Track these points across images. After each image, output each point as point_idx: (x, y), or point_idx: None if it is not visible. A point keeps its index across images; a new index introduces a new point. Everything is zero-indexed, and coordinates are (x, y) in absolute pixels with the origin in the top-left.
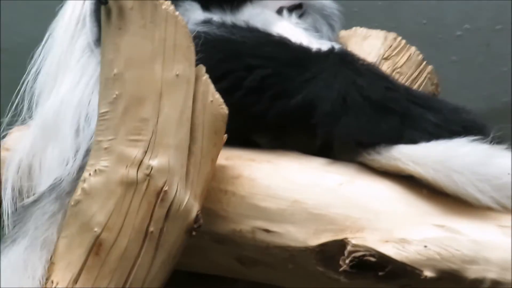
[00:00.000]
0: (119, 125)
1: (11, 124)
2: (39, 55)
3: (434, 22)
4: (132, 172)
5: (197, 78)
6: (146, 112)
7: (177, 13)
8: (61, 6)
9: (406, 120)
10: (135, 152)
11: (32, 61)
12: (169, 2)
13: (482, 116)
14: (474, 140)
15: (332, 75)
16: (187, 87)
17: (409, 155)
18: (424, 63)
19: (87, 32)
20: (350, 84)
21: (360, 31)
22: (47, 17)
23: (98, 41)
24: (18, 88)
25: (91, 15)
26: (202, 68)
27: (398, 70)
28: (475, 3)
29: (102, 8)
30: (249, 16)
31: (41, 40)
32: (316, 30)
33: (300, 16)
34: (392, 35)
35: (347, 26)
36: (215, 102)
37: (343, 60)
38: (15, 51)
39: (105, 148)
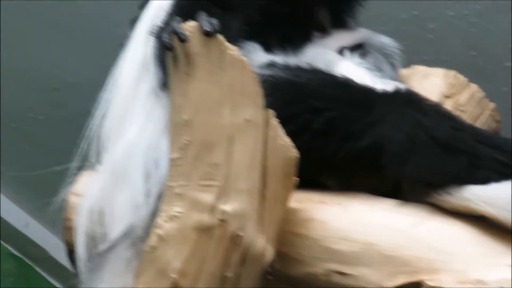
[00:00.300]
0: (190, 170)
1: (79, 169)
2: (104, 99)
3: (484, 54)
4: (206, 218)
5: (266, 122)
6: (217, 157)
7: (243, 57)
8: (121, 49)
9: (475, 160)
10: (208, 197)
11: (97, 106)
12: (235, 47)
13: None
14: None
15: (399, 116)
16: (256, 132)
17: (480, 196)
18: (486, 100)
19: (152, 76)
20: (417, 125)
21: (420, 69)
22: (96, 57)
23: (163, 85)
24: (84, 133)
25: (154, 59)
26: (271, 112)
27: (460, 108)
28: None
29: (168, 53)
30: (311, 56)
31: (92, 79)
32: (379, 69)
33: (362, 56)
34: (452, 73)
35: None
36: (285, 146)
37: (409, 100)
38: (66, 91)
39: (178, 194)
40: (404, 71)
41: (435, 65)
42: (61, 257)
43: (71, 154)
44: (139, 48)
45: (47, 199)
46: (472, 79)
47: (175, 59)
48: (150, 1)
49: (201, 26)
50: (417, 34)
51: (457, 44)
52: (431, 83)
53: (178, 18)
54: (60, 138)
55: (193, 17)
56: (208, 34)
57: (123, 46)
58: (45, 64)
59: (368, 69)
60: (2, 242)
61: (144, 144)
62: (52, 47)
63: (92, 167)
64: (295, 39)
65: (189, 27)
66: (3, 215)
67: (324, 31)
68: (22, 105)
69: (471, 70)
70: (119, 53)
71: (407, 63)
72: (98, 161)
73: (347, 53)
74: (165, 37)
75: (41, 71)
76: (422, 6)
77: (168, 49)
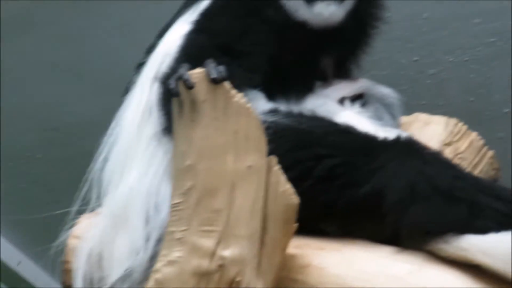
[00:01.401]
0: (192, 216)
1: (80, 212)
2: (107, 143)
3: (481, 100)
4: (205, 263)
5: (268, 169)
6: (219, 203)
7: (249, 104)
8: (126, 93)
9: (475, 210)
10: (208, 243)
11: (100, 149)
12: (241, 94)
13: None
14: None
15: (400, 164)
16: (259, 178)
17: (478, 246)
18: (485, 148)
19: (155, 121)
20: (418, 173)
21: (421, 117)
22: (97, 98)
23: (165, 130)
24: (86, 176)
25: (158, 104)
26: (274, 159)
27: (460, 156)
28: None
29: (174, 99)
30: (313, 106)
31: (92, 120)
32: (379, 119)
33: (362, 106)
34: (453, 120)
35: None
36: (286, 192)
37: (410, 148)
38: (66, 131)
39: (178, 239)
40: (405, 119)
41: (433, 110)
42: None
43: (69, 193)
44: (144, 93)
45: (41, 238)
46: (469, 124)
47: (180, 105)
48: (157, 46)
49: (208, 73)
50: (417, 79)
51: (456, 90)
52: (431, 130)
53: (185, 65)
54: (58, 178)
55: (200, 64)
56: (215, 81)
57: (128, 90)
58: (45, 103)
59: (369, 117)
60: None
61: (145, 188)
62: (52, 86)
63: (92, 210)
64: (298, 88)
65: (196, 74)
66: None
67: (326, 79)
68: (21, 144)
69: (469, 116)
70: (123, 97)
71: (406, 107)
72: (99, 204)
73: (347, 103)
74: (172, 83)
75: (41, 110)
76: (423, 52)
77: (174, 95)
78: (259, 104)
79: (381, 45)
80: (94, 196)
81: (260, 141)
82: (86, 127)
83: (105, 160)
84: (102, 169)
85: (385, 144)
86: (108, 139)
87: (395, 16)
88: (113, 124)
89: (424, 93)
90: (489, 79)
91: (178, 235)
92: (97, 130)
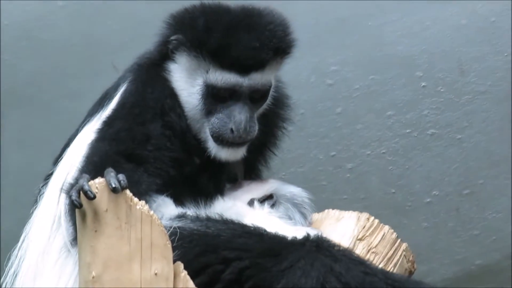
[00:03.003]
0: None
1: None
2: (16, 256)
3: (402, 191)
4: None
5: (175, 275)
6: None
7: (151, 212)
8: (34, 207)
9: None
10: None
11: (9, 263)
12: (143, 202)
13: (456, 280)
14: None
15: (309, 263)
16: (166, 285)
17: None
18: (399, 241)
19: (63, 232)
20: (328, 271)
21: (332, 213)
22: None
23: (74, 240)
24: None
25: (66, 215)
26: (180, 265)
27: (373, 250)
28: (441, 170)
29: (77, 211)
30: (221, 209)
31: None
32: (289, 218)
33: (272, 206)
34: (365, 215)
35: (317, 199)
36: None
37: (319, 246)
38: None
39: None
40: (317, 216)
41: (355, 204)
42: None
43: None
44: (51, 204)
45: None
46: (391, 215)
47: (83, 216)
48: (63, 156)
49: (108, 183)
50: (336, 173)
51: (376, 182)
52: (344, 226)
53: (85, 176)
54: None
55: (102, 174)
56: (115, 191)
57: (36, 202)
58: None
59: (279, 218)
60: None
61: None
62: None
63: None
64: (207, 190)
65: (96, 184)
66: None
67: (236, 181)
68: None
69: (392, 208)
70: (32, 209)
71: (327, 202)
72: None
73: (256, 204)
74: (74, 194)
75: None
76: (339, 147)
77: (76, 207)
78: (167, 209)
79: (298, 142)
80: None
81: (166, 248)
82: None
83: (15, 273)
84: (12, 283)
85: (294, 244)
86: (18, 252)
87: (308, 113)
88: (22, 237)
89: (345, 188)
90: (408, 170)
91: None
92: (13, 241)
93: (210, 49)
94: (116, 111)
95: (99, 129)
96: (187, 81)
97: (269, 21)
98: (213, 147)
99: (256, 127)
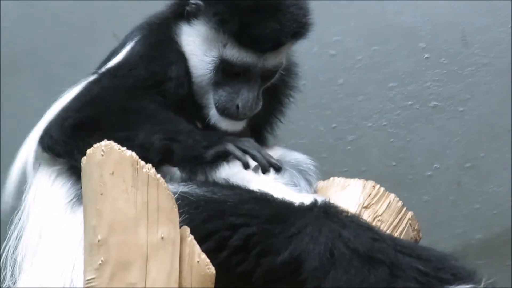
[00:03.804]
0: None
1: None
2: (19, 220)
3: (403, 164)
4: None
5: (182, 240)
6: (133, 276)
7: (158, 175)
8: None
9: (395, 270)
10: None
11: (12, 227)
12: (150, 165)
13: (456, 253)
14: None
15: (317, 229)
16: (173, 249)
17: None
18: (405, 209)
19: (66, 190)
20: (336, 237)
21: (338, 181)
22: None
23: (79, 200)
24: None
25: (71, 174)
26: (187, 230)
27: (379, 218)
28: (443, 142)
29: (82, 172)
30: (227, 175)
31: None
32: (294, 184)
33: (277, 173)
34: (370, 183)
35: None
36: (201, 263)
37: (327, 212)
38: None
39: None
40: (322, 183)
41: (355, 176)
42: None
43: None
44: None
45: None
46: (392, 188)
47: (89, 178)
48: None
49: (117, 145)
50: (336, 145)
51: (376, 154)
52: (349, 194)
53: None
54: None
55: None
56: (123, 153)
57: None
58: None
59: (285, 184)
60: None
61: (60, 265)
62: None
63: None
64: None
65: (103, 146)
66: None
67: None
68: None
69: (392, 180)
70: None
71: (327, 174)
72: (14, 282)
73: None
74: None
75: None
76: (340, 118)
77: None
78: (174, 174)
79: (299, 114)
80: (8, 274)
81: (172, 212)
82: None
83: (18, 237)
84: (15, 246)
85: (302, 210)
86: (20, 216)
87: (309, 84)
88: (23, 202)
89: (345, 160)
90: (409, 143)
91: None
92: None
93: (232, 26)
94: (117, 69)
95: (94, 79)
96: (201, 48)
97: (292, 3)
98: (214, 116)
99: (261, 104)
